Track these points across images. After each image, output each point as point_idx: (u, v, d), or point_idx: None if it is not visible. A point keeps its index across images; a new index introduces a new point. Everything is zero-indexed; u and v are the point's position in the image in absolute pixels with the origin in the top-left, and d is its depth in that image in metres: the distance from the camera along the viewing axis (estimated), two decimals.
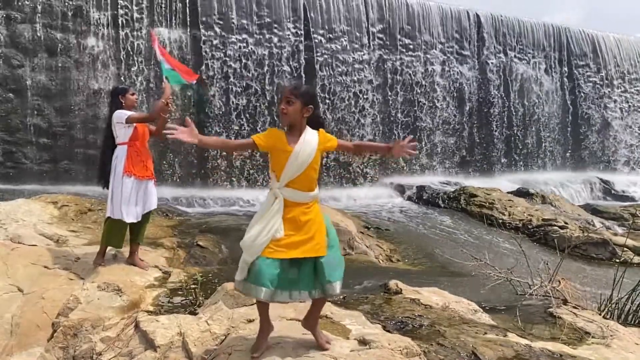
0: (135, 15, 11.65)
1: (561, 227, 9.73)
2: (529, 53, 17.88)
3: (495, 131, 17.06)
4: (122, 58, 11.50)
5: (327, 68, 13.90)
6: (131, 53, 11.59)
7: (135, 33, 11.64)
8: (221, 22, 12.53)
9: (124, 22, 11.54)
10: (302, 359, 2.58)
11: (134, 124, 4.50)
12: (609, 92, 19.43)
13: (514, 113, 17.47)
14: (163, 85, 4.56)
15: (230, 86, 12.60)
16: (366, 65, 14.51)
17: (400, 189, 13.75)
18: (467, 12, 16.71)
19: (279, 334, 2.82)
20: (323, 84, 13.76)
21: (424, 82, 15.58)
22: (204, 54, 12.31)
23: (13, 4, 10.57)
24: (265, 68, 12.95)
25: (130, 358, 3.19)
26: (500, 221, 10.20)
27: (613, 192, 17.16)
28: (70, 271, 4.48)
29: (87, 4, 11.17)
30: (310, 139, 2.65)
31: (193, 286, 4.28)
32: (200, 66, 12.26)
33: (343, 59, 14.12)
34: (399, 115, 15.11)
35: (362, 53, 14.47)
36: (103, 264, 4.53)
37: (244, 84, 12.73)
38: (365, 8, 14.69)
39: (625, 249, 8.64)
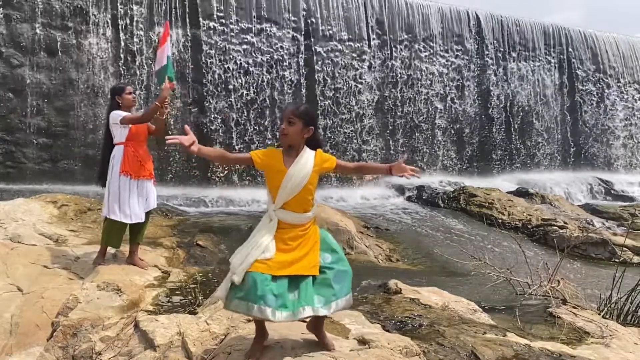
0: (135, 15, 11.65)
1: (561, 227, 9.73)
2: (531, 79, 17.82)
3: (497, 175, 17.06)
4: (121, 58, 11.50)
5: (330, 116, 13.86)
6: (131, 53, 11.59)
7: (135, 33, 11.63)
8: (222, 21, 12.54)
9: (124, 21, 11.54)
10: (302, 359, 2.58)
11: (130, 125, 4.50)
12: (609, 93, 19.44)
13: (516, 151, 17.45)
14: (162, 87, 4.54)
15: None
16: (367, 108, 14.42)
17: (400, 189, 13.75)
18: (468, 14, 16.72)
19: (279, 334, 2.82)
20: (325, 134, 13.71)
21: (424, 126, 15.54)
22: (203, 55, 12.32)
23: (13, 3, 10.57)
24: (267, 120, 12.91)
25: (129, 357, 3.19)
26: (500, 221, 10.20)
27: (613, 192, 17.16)
28: (69, 271, 4.48)
29: (87, 3, 11.17)
30: (306, 160, 2.62)
31: (192, 286, 4.28)
32: (199, 65, 12.26)
33: (346, 103, 14.06)
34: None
35: (365, 95, 14.38)
36: (103, 264, 4.53)
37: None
38: (368, 33, 14.66)
39: (624, 248, 8.64)
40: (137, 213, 4.52)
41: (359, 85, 14.34)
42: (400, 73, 15.15)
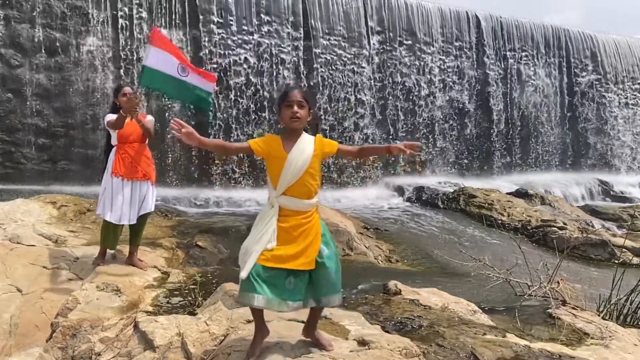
0: (135, 15, 11.65)
1: (560, 228, 9.73)
2: (531, 80, 17.81)
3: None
4: (121, 58, 11.49)
5: (329, 116, 13.85)
6: (131, 53, 11.58)
7: (135, 33, 11.63)
8: (222, 22, 12.54)
9: (124, 22, 11.53)
10: (301, 359, 2.58)
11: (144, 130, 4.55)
12: (608, 94, 19.46)
13: (516, 152, 17.48)
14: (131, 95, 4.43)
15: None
16: (366, 108, 14.38)
17: (400, 190, 13.75)
18: (467, 15, 16.73)
19: (278, 334, 2.82)
20: (325, 134, 13.64)
21: (424, 127, 15.50)
22: (203, 55, 12.32)
23: (12, 3, 10.56)
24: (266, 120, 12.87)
25: (129, 358, 3.19)
26: (500, 222, 10.21)
27: (612, 193, 17.18)
28: (69, 271, 4.48)
29: (86, 4, 11.16)
30: (306, 144, 2.61)
31: (192, 286, 4.28)
32: (198, 66, 12.24)
33: (345, 103, 14.05)
34: None
35: (364, 95, 14.34)
36: (102, 264, 4.53)
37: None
38: (367, 33, 14.67)
39: (624, 249, 8.64)
40: (127, 214, 4.50)
41: (359, 86, 14.34)
42: (399, 73, 15.15)
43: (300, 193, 2.59)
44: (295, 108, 2.57)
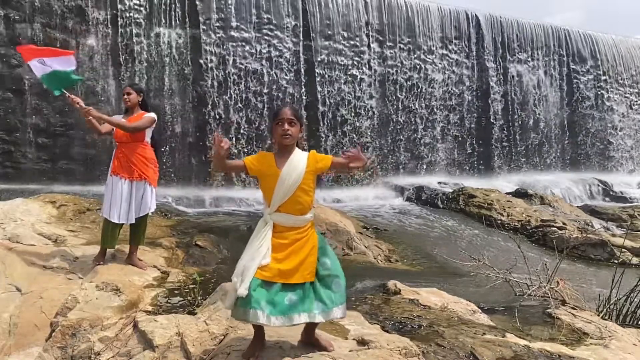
0: (135, 15, 11.64)
1: (560, 228, 9.74)
2: (530, 80, 17.84)
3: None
4: (120, 58, 11.48)
5: (329, 116, 13.89)
6: (130, 53, 11.58)
7: (134, 33, 11.62)
8: (222, 22, 12.54)
9: (124, 22, 11.52)
10: (301, 359, 2.58)
11: (114, 126, 4.61)
12: (608, 94, 19.47)
13: (515, 152, 17.48)
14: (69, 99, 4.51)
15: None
16: (366, 108, 14.40)
17: (399, 190, 13.75)
18: (467, 15, 16.73)
19: (278, 334, 2.82)
20: (325, 134, 13.70)
21: (424, 126, 15.53)
22: (202, 55, 12.32)
23: (12, 3, 10.55)
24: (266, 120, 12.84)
25: (128, 358, 3.19)
26: (499, 222, 10.21)
27: (611, 193, 17.17)
28: (68, 271, 4.48)
29: (86, 3, 11.15)
30: (299, 160, 2.63)
31: (192, 286, 4.28)
32: (199, 67, 12.26)
33: (345, 103, 14.07)
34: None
35: (364, 95, 14.36)
36: (102, 264, 4.53)
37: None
38: (367, 33, 14.68)
39: (623, 250, 8.65)
40: (125, 214, 4.50)
41: (359, 86, 14.34)
42: (399, 73, 15.15)
43: (293, 210, 2.61)
44: (286, 126, 2.61)
